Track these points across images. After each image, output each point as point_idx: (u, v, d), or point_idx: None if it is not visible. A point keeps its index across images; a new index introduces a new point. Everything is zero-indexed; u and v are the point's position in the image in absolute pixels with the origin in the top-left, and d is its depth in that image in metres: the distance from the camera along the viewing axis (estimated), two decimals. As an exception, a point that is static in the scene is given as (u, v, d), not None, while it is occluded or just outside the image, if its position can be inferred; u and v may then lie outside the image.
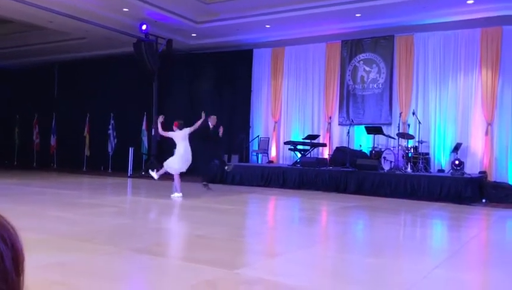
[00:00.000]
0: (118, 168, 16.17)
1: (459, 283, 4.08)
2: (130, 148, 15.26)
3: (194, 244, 5.24)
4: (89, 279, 3.71)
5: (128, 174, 14.87)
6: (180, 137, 9.37)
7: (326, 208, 9.31)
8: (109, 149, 16.79)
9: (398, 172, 11.18)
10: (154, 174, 9.51)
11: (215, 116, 10.98)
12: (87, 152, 17.59)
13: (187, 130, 9.43)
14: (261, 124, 15.53)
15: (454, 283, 4.08)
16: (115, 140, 16.78)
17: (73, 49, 16.88)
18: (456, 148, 11.64)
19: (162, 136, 10.16)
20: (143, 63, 14.10)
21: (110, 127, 16.81)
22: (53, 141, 18.63)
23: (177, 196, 9.19)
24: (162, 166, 9.55)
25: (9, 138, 20.09)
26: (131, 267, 4.29)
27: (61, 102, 19.08)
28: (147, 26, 13.52)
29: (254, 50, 15.59)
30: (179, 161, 9.28)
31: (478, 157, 12.18)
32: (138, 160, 15.72)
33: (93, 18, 13.13)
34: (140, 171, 15.24)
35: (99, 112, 17.17)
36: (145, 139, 16.11)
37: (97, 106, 17.44)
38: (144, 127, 16.12)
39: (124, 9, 12.70)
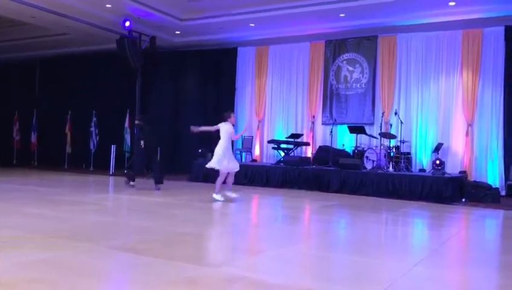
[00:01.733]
0: (99, 166, 16.02)
1: (438, 281, 4.13)
2: (112, 146, 15.12)
3: (176, 242, 5.22)
4: (69, 276, 3.67)
5: (110, 172, 14.74)
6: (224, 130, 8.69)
7: (308, 207, 9.35)
8: (91, 147, 16.61)
9: (380, 171, 11.27)
10: (218, 196, 8.76)
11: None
12: (68, 150, 17.38)
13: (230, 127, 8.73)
14: (245, 123, 15.51)
15: (434, 280, 4.13)
16: (97, 137, 16.61)
17: (56, 45, 16.66)
18: (437, 148, 11.79)
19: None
20: (126, 60, 13.98)
21: (92, 124, 16.63)
22: (34, 138, 18.36)
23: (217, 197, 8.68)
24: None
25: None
26: (111, 264, 4.25)
27: (42, 99, 18.81)
28: (130, 23, 13.39)
29: (238, 48, 15.58)
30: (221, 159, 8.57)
31: (458, 157, 12.35)
32: (120, 158, 15.57)
33: (76, 14, 12.98)
34: (123, 169, 15.12)
35: (81, 109, 16.98)
36: (127, 137, 15.97)
37: (79, 103, 17.25)
38: (126, 124, 15.98)
39: (107, 6, 12.57)
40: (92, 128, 16.63)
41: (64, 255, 4.33)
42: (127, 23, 13.37)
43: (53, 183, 11.78)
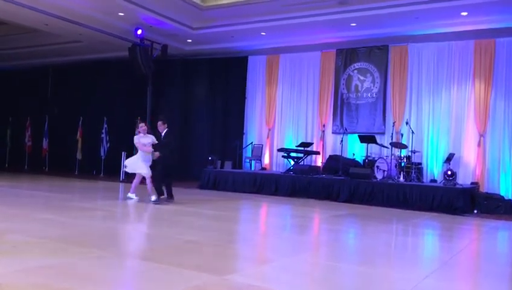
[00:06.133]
0: (110, 172, 16.08)
1: (448, 293, 4.06)
2: (123, 153, 15.16)
3: (184, 250, 5.20)
4: (75, 283, 3.66)
5: (120, 179, 14.78)
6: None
7: (318, 216, 9.29)
8: (101, 153, 16.70)
9: (390, 181, 11.18)
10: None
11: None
12: (79, 156, 17.48)
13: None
14: (254, 131, 15.52)
15: (444, 292, 4.06)
16: (108, 144, 16.70)
17: (68, 52, 16.83)
18: (449, 158, 11.68)
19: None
20: (137, 68, 14.06)
21: (103, 131, 16.73)
22: (45, 144, 18.51)
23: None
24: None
25: (1, 140, 19.93)
26: (118, 271, 4.24)
27: (54, 105, 18.98)
28: (142, 31, 13.49)
29: (249, 57, 15.62)
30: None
31: (470, 168, 12.22)
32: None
33: (89, 22, 13.10)
34: (133, 176, 15.14)
35: (93, 116, 17.11)
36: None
37: (90, 109, 17.39)
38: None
39: (120, 14, 12.68)
40: (103, 135, 16.73)
41: (72, 261, 4.32)
42: (139, 32, 13.47)
43: (63, 189, 11.84)
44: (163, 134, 9.41)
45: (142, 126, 9.79)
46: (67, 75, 18.53)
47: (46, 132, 18.53)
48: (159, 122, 9.48)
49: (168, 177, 9.39)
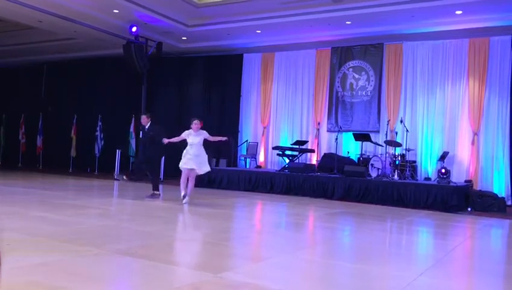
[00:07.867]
0: (104, 170, 16.05)
1: (443, 290, 4.08)
2: (117, 151, 15.14)
3: (178, 248, 5.20)
4: (71, 280, 3.65)
5: (115, 177, 14.75)
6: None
7: (313, 214, 9.31)
8: (96, 151, 16.66)
9: (385, 179, 11.22)
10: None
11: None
12: (73, 153, 17.42)
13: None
14: (249, 129, 15.52)
15: (439, 290, 4.08)
16: (102, 142, 16.66)
17: (63, 49, 16.77)
18: (443, 156, 11.74)
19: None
20: (132, 65, 14.02)
21: (98, 128, 16.69)
22: (39, 141, 18.44)
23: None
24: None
25: (-6, 138, 19.85)
26: (114, 269, 4.23)
27: (48, 102, 18.91)
28: (137, 28, 13.46)
29: (244, 55, 15.62)
30: None
31: (464, 166, 12.29)
32: (125, 162, 15.60)
33: (83, 19, 13.06)
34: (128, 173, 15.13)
35: (87, 114, 17.06)
36: (132, 141, 16.00)
37: (85, 107, 17.34)
38: (131, 129, 16.01)
39: (114, 11, 12.64)
40: (98, 133, 16.69)
41: (67, 259, 4.31)
42: (134, 29, 13.44)
43: (57, 186, 11.79)
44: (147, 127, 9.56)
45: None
46: (62, 72, 18.46)
47: (40, 129, 18.46)
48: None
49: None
